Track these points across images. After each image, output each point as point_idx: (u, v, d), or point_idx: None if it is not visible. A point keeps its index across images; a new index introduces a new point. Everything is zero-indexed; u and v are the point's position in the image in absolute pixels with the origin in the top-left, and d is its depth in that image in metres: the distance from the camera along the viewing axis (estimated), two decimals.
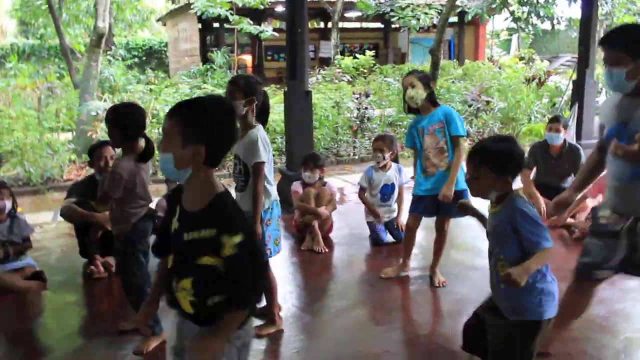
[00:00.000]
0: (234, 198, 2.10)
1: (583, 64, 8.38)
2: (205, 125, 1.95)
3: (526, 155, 6.08)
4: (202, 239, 1.96)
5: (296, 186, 5.60)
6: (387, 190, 5.44)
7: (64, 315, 4.17)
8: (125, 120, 3.38)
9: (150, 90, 11.44)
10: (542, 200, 5.36)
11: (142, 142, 3.46)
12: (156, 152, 3.62)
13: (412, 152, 4.53)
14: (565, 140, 5.83)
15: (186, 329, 2.12)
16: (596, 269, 3.07)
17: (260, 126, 3.51)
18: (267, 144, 3.45)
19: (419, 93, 4.18)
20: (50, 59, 22.32)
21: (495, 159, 2.41)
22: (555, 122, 5.83)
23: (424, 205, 4.33)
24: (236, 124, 2.09)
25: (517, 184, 5.89)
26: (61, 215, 4.79)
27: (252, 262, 1.95)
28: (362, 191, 5.44)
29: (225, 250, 1.91)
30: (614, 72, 2.88)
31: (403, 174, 5.48)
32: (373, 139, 5.87)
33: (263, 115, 3.60)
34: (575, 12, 17.17)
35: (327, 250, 5.28)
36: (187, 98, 2.04)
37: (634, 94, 2.89)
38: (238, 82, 3.46)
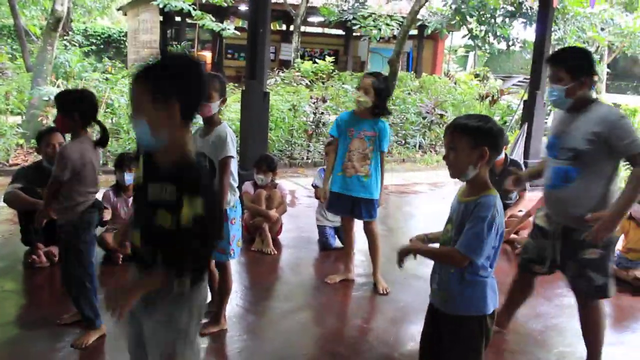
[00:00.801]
0: (202, 166, 2.05)
1: (534, 85, 8.67)
2: (175, 82, 1.92)
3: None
4: (161, 194, 1.94)
5: (247, 186, 5.60)
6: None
7: (1, 304, 4.06)
8: (76, 105, 3.33)
9: (107, 79, 11.22)
10: None
11: (95, 128, 3.42)
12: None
13: (332, 141, 4.61)
14: (506, 155, 6.03)
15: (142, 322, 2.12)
16: (532, 263, 3.54)
17: (225, 123, 3.54)
18: (234, 140, 3.47)
19: (366, 102, 4.26)
20: (3, 39, 21.62)
21: (472, 128, 2.35)
22: None
23: (340, 203, 4.45)
24: (205, 75, 2.04)
25: None
26: (4, 200, 4.66)
27: (203, 232, 1.92)
28: (318, 189, 5.49)
29: (184, 213, 1.87)
30: (556, 88, 3.20)
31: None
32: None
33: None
34: (530, 35, 17.70)
35: (276, 252, 5.30)
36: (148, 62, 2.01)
37: (572, 110, 3.22)
38: (214, 83, 3.45)
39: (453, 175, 2.44)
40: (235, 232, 3.56)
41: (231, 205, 3.51)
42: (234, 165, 3.48)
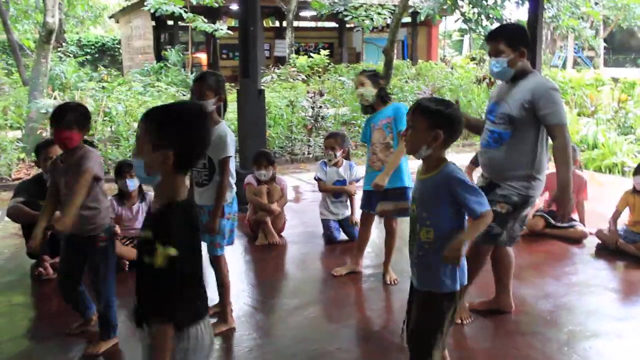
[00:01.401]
0: (191, 210, 2.07)
1: (530, 64, 8.60)
2: (173, 131, 1.96)
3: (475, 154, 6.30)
4: (145, 238, 1.98)
5: (249, 179, 5.58)
6: (338, 186, 5.51)
7: (11, 317, 4.07)
8: (86, 119, 3.36)
9: (103, 87, 11.23)
10: None
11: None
12: None
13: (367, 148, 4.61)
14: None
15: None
16: None
17: (224, 122, 3.57)
18: (233, 140, 3.51)
19: (368, 90, 4.30)
20: None
21: (431, 111, 2.48)
22: None
23: (373, 200, 4.40)
24: (209, 128, 2.09)
25: None
26: (8, 215, 4.68)
27: (178, 279, 1.92)
28: (320, 182, 5.51)
29: (156, 259, 1.89)
30: (499, 60, 3.46)
31: (354, 171, 5.56)
32: (325, 137, 5.93)
33: (223, 110, 3.65)
34: (523, 14, 17.60)
35: (282, 242, 5.35)
36: (162, 104, 2.14)
37: (512, 80, 3.50)
38: (208, 81, 3.48)
39: (408, 151, 2.62)
40: (230, 226, 3.63)
41: (228, 202, 3.55)
42: (232, 163, 3.51)
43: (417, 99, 2.65)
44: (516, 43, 3.44)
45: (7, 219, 4.94)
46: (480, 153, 3.69)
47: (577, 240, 5.37)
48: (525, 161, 3.45)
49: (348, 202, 5.57)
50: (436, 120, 2.46)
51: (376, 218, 4.60)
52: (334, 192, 5.50)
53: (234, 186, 3.61)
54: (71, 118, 3.29)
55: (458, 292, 2.56)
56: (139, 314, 2.08)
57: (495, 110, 3.54)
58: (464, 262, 2.55)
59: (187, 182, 2.90)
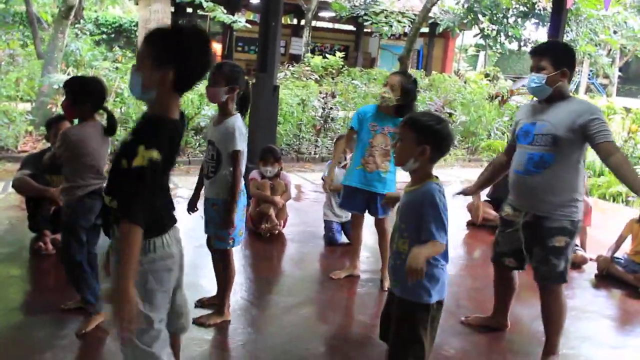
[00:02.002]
0: (178, 128, 2.16)
1: None
2: (176, 51, 2.05)
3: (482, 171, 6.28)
4: (125, 142, 2.07)
5: (254, 174, 5.59)
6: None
7: (6, 289, 4.08)
8: (85, 93, 3.34)
9: (117, 68, 11.23)
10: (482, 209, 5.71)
11: (103, 116, 3.42)
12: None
13: (349, 132, 4.55)
14: None
15: None
16: (503, 257, 3.61)
17: (238, 115, 3.51)
18: (243, 134, 3.45)
19: (390, 99, 4.20)
20: (15, 26, 21.60)
21: (421, 125, 2.50)
22: None
23: (357, 198, 4.39)
24: (211, 52, 2.16)
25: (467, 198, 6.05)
26: (13, 186, 4.69)
27: (150, 181, 1.99)
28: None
29: (136, 160, 1.95)
30: (538, 76, 3.29)
31: None
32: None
33: (244, 104, 3.61)
34: (542, 36, 17.59)
35: (282, 229, 5.43)
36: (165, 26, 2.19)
37: (549, 100, 3.32)
38: (223, 69, 3.44)
39: (396, 164, 2.66)
40: (237, 222, 3.54)
41: None
42: (242, 157, 3.47)
43: (410, 113, 2.70)
44: (560, 62, 3.28)
45: (10, 190, 4.94)
46: (515, 181, 3.44)
47: (577, 265, 5.35)
48: (570, 184, 3.28)
49: None
50: (425, 135, 2.49)
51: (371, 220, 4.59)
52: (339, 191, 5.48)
53: (242, 181, 3.55)
54: (74, 91, 3.34)
55: (433, 304, 2.58)
56: (108, 221, 2.17)
57: (533, 131, 3.33)
58: (442, 277, 2.58)
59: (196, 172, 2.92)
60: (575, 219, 3.30)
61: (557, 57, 3.30)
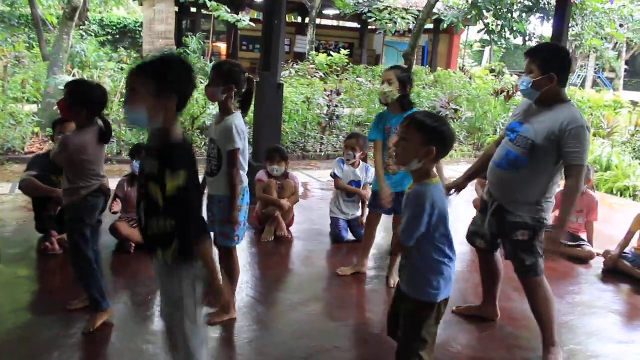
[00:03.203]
0: (191, 148, 2.35)
1: None
2: (174, 78, 2.23)
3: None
4: (151, 168, 2.23)
5: (261, 175, 5.57)
6: (354, 186, 5.51)
7: (14, 289, 4.11)
8: (84, 98, 3.35)
9: (122, 69, 11.28)
10: None
11: (99, 122, 3.43)
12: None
13: (373, 145, 4.54)
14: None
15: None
16: (474, 236, 3.72)
17: (238, 113, 3.52)
18: (242, 132, 3.45)
19: (392, 92, 4.20)
20: (20, 28, 21.71)
21: (427, 127, 2.49)
22: None
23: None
24: (194, 75, 2.35)
25: (473, 194, 6.05)
26: (20, 188, 4.71)
27: (193, 197, 2.24)
28: (337, 179, 5.49)
29: (169, 187, 2.15)
30: (525, 79, 3.32)
31: (370, 174, 5.52)
32: (346, 136, 5.91)
33: (247, 102, 3.63)
34: (547, 30, 17.53)
35: (290, 235, 5.35)
36: (148, 58, 2.34)
37: (539, 103, 3.34)
38: (221, 68, 3.48)
39: (397, 163, 2.69)
40: (241, 218, 3.57)
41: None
42: (242, 157, 3.48)
43: (412, 113, 2.67)
44: (547, 66, 3.25)
45: (18, 191, 4.97)
46: (491, 169, 3.54)
47: (583, 260, 5.33)
48: (539, 190, 3.32)
49: (359, 203, 5.57)
50: (431, 137, 2.48)
51: (383, 218, 4.58)
52: (349, 191, 5.49)
53: (244, 179, 3.56)
54: (74, 94, 3.37)
55: (440, 303, 2.61)
56: (150, 242, 2.35)
57: (518, 131, 3.37)
58: (449, 273, 2.60)
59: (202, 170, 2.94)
60: (537, 216, 3.34)
61: (545, 61, 3.28)
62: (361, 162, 5.55)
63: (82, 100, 3.34)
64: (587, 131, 3.21)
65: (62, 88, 9.00)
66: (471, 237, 3.77)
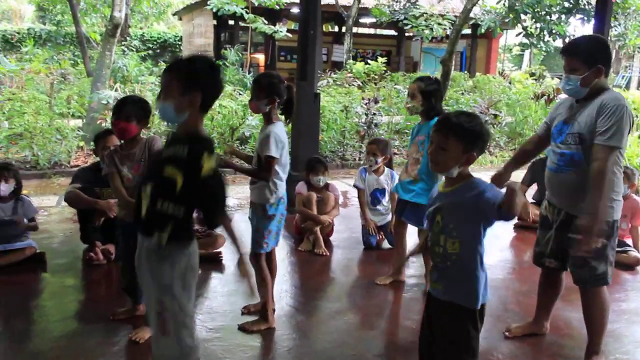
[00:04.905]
0: (210, 138, 2.50)
1: None
2: (200, 77, 2.40)
3: (526, 172, 6.18)
4: (174, 155, 2.36)
5: (301, 187, 5.57)
6: (378, 195, 5.47)
7: (61, 299, 4.23)
8: (147, 114, 3.56)
9: None
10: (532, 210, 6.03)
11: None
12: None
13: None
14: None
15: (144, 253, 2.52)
16: (542, 257, 3.54)
17: (279, 123, 3.61)
18: (280, 142, 3.51)
19: (415, 107, 4.24)
20: (66, 46, 22.44)
21: (466, 132, 2.40)
22: None
23: (405, 210, 4.39)
24: (221, 77, 2.51)
25: None
26: (65, 200, 4.85)
27: (220, 186, 2.37)
28: (360, 192, 5.47)
29: (205, 168, 2.28)
30: (571, 78, 3.19)
31: (395, 180, 5.38)
32: (367, 142, 5.89)
33: (288, 109, 3.71)
34: (588, 31, 17.16)
35: (327, 253, 5.31)
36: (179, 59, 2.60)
37: (584, 100, 3.21)
38: (261, 82, 3.59)
39: (434, 169, 2.57)
40: (273, 227, 3.64)
41: (271, 202, 3.58)
42: (280, 166, 3.56)
43: (442, 117, 2.55)
44: (593, 60, 3.13)
45: (64, 203, 5.12)
46: (549, 178, 3.39)
47: (629, 266, 5.19)
48: None
49: (388, 210, 5.50)
50: (471, 142, 2.41)
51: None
52: (362, 210, 5.45)
53: (279, 188, 3.61)
54: (131, 110, 3.45)
55: (481, 309, 2.51)
56: (150, 223, 2.42)
57: (565, 131, 3.26)
58: (486, 278, 2.52)
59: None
60: (610, 219, 3.15)
61: (589, 55, 3.16)
62: (386, 169, 5.47)
63: (144, 114, 3.51)
64: (626, 112, 3.05)
65: (105, 103, 9.29)
66: (538, 259, 3.58)
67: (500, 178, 3.58)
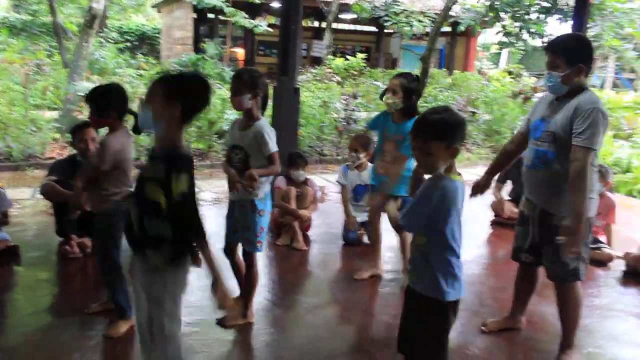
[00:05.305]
0: (190, 155, 2.50)
1: None
2: (182, 93, 2.43)
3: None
4: (153, 175, 2.40)
5: (280, 182, 5.55)
6: (361, 191, 5.49)
7: (35, 292, 4.17)
8: (109, 102, 3.40)
9: (140, 75, 11.40)
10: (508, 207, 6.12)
11: (130, 119, 3.47)
12: None
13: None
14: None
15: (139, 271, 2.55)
16: (520, 252, 3.59)
17: (264, 119, 3.56)
18: (273, 134, 3.50)
19: (395, 103, 4.25)
20: (41, 36, 22.03)
21: (442, 131, 2.40)
22: None
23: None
24: (210, 93, 2.53)
25: (490, 197, 6.03)
26: (41, 192, 4.78)
27: (193, 204, 2.37)
28: (343, 188, 5.47)
29: (174, 191, 2.30)
30: (553, 74, 3.21)
31: None
32: (351, 138, 5.90)
33: (263, 106, 3.64)
34: (566, 31, 17.33)
35: (306, 248, 5.31)
36: (169, 72, 2.65)
37: (564, 97, 3.24)
38: (242, 77, 3.49)
39: (425, 173, 2.57)
40: (263, 224, 3.56)
41: (260, 197, 3.51)
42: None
43: (415, 123, 2.52)
44: (575, 58, 3.16)
45: (38, 196, 5.05)
46: (525, 174, 3.42)
47: (602, 262, 5.28)
48: None
49: None
50: (451, 137, 2.40)
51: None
52: (345, 208, 5.44)
53: (266, 183, 3.56)
54: (98, 101, 3.42)
55: (454, 302, 2.52)
56: (141, 242, 2.47)
57: (542, 128, 3.30)
58: (460, 273, 2.52)
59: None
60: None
61: (571, 53, 3.19)
62: (369, 164, 5.44)
63: (105, 103, 3.39)
64: (602, 115, 3.07)
65: (82, 95, 9.17)
66: (516, 254, 3.63)
67: (480, 189, 3.65)
